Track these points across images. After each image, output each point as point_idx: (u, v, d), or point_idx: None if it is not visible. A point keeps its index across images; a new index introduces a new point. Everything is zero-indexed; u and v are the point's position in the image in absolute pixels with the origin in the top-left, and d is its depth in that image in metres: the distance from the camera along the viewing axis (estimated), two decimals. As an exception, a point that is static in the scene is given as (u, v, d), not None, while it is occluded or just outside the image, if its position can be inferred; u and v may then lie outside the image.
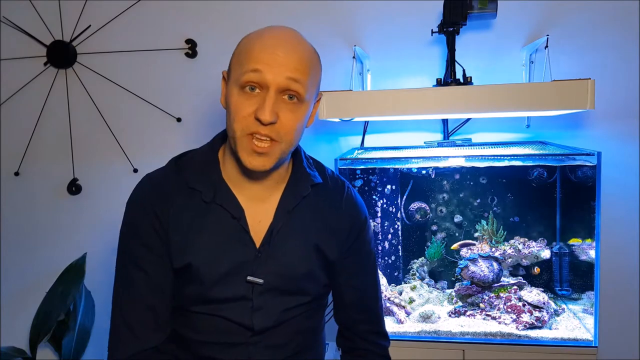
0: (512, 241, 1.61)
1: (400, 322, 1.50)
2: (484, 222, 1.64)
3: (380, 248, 1.69)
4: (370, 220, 1.11)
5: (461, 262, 1.58)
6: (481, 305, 1.52)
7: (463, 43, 1.63)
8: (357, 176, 1.66)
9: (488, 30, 1.67)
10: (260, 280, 0.93)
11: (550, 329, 1.43)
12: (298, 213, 0.98)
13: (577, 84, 1.25)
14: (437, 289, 1.68)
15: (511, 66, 1.67)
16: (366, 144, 1.73)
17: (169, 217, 0.92)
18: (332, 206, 1.02)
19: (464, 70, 1.50)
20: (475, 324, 1.47)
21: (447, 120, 1.66)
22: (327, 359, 1.27)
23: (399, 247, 1.72)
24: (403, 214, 1.72)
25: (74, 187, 1.92)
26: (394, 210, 1.71)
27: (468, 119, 1.67)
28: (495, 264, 1.55)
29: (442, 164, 1.57)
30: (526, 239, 1.61)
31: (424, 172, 1.69)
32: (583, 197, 1.45)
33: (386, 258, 1.70)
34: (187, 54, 1.83)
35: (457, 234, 1.71)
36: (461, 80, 1.47)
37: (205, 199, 0.93)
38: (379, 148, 1.69)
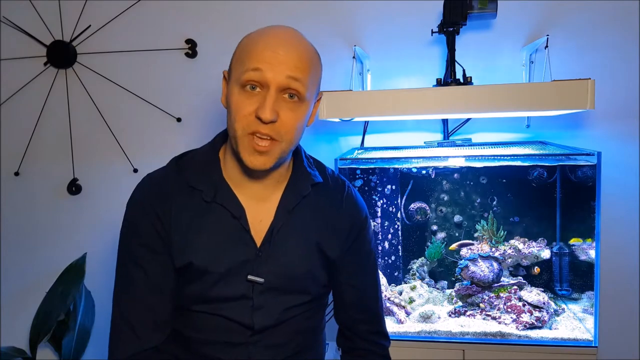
0: (512, 241, 1.61)
1: (400, 322, 1.50)
2: (484, 222, 1.64)
3: (380, 248, 1.69)
4: (371, 220, 1.11)
5: (461, 262, 1.58)
6: (481, 305, 1.52)
7: (463, 43, 1.63)
8: (357, 176, 1.66)
9: (488, 30, 1.67)
10: (261, 280, 0.93)
11: (550, 329, 1.43)
12: (298, 212, 0.98)
13: (577, 84, 1.25)
14: (437, 289, 1.68)
15: (511, 66, 1.67)
16: (366, 144, 1.73)
17: (171, 217, 0.93)
18: (333, 205, 1.02)
19: (464, 70, 1.50)
20: (475, 324, 1.47)
21: (447, 120, 1.66)
22: (327, 359, 1.27)
23: (399, 247, 1.72)
24: (403, 214, 1.72)
25: (74, 187, 1.92)
26: (394, 210, 1.71)
27: (468, 119, 1.67)
28: (495, 264, 1.55)
29: (442, 164, 1.57)
30: (526, 239, 1.61)
31: (424, 172, 1.69)
32: (583, 197, 1.45)
33: (386, 258, 1.70)
34: (187, 54, 1.83)
35: (457, 234, 1.71)
36: (461, 80, 1.48)
37: (206, 198, 0.94)
38: (379, 148, 1.69)
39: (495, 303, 1.51)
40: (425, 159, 1.52)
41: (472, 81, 1.46)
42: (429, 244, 1.72)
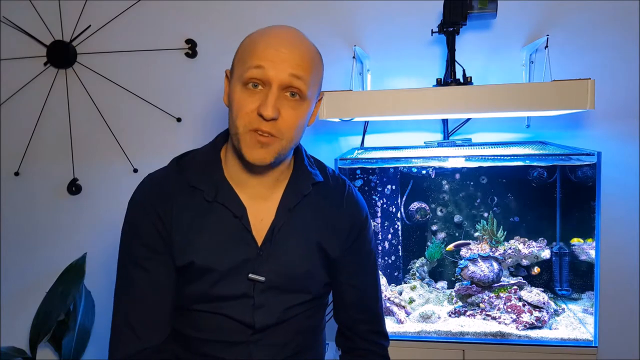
0: (512, 241, 1.61)
1: (400, 322, 1.50)
2: (484, 222, 1.65)
3: (380, 248, 1.69)
4: (371, 220, 1.11)
5: (461, 262, 1.58)
6: (481, 305, 1.52)
7: (463, 43, 1.63)
8: (357, 176, 1.66)
9: (488, 30, 1.67)
10: (262, 278, 0.93)
11: (550, 329, 1.43)
12: (299, 211, 0.98)
13: (577, 84, 1.25)
14: (437, 289, 1.68)
15: (511, 66, 1.67)
16: (366, 144, 1.73)
17: (172, 217, 0.93)
18: (333, 205, 1.02)
19: (464, 70, 1.50)
20: (475, 324, 1.47)
21: (447, 120, 1.66)
22: (327, 359, 1.27)
23: (399, 247, 1.72)
24: (403, 214, 1.72)
25: (74, 187, 1.92)
26: (394, 210, 1.71)
27: (468, 119, 1.67)
28: (495, 264, 1.55)
29: (442, 164, 1.57)
30: (526, 239, 1.61)
31: (423, 172, 1.69)
32: (583, 197, 1.45)
33: (386, 258, 1.70)
34: (187, 54, 1.83)
35: (457, 234, 1.71)
36: (461, 80, 1.48)
37: (208, 198, 0.94)
38: (379, 148, 1.69)
39: (495, 303, 1.51)
40: (425, 159, 1.52)
41: (472, 81, 1.46)
42: (429, 244, 1.72)
